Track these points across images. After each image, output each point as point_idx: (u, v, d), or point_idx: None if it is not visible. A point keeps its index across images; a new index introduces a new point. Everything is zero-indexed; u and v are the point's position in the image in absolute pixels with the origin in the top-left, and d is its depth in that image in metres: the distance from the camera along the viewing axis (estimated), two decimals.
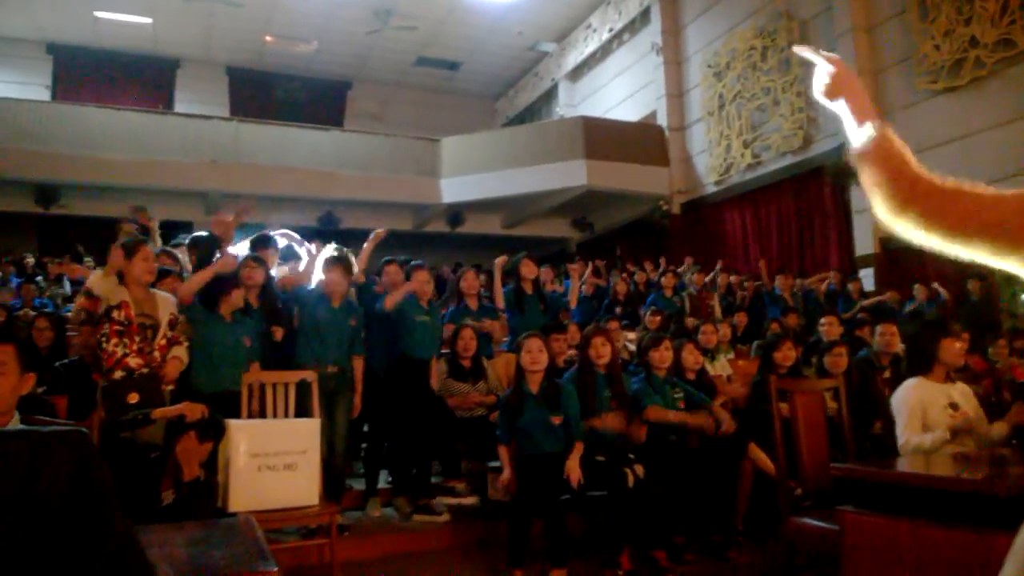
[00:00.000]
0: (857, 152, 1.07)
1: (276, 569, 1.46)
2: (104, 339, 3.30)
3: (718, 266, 9.64)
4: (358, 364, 4.30)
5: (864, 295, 8.37)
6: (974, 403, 3.22)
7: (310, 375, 3.75)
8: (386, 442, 4.50)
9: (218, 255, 4.27)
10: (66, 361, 4.29)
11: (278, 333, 4.33)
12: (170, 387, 3.46)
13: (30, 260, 9.61)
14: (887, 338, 4.76)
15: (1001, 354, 5.95)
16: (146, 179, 11.51)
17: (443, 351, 4.86)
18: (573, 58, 15.91)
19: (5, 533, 1.04)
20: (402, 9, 14.15)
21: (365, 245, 4.86)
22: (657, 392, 4.09)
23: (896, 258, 8.69)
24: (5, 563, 1.04)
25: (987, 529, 1.90)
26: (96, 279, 3.39)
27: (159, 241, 6.00)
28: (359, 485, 4.60)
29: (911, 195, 0.99)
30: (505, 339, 5.51)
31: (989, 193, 0.95)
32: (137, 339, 3.34)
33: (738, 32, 11.79)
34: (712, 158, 12.28)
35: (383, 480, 4.57)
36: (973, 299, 7.81)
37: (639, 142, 13.03)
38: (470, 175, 13.22)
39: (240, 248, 4.92)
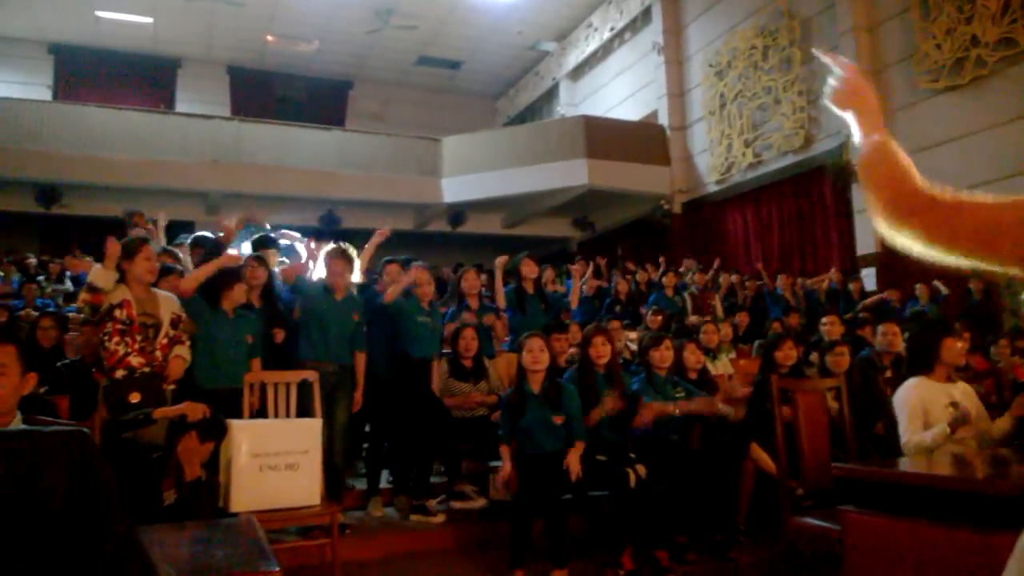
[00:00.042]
0: (860, 162, 1.08)
1: (277, 569, 1.46)
2: (106, 338, 3.30)
3: (715, 264, 9.63)
4: (360, 359, 4.29)
5: (865, 295, 8.36)
6: (976, 402, 3.22)
7: (311, 375, 3.74)
8: (387, 442, 4.50)
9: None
10: (67, 361, 4.30)
11: (279, 335, 4.32)
12: (171, 386, 3.46)
13: (32, 260, 9.62)
14: (889, 338, 4.76)
15: (1003, 354, 5.95)
16: (147, 179, 11.52)
17: (444, 351, 4.86)
18: (574, 57, 15.91)
19: (7, 533, 1.04)
20: (403, 8, 14.16)
21: (367, 245, 4.86)
22: (658, 392, 4.09)
23: (897, 258, 8.66)
24: (7, 563, 1.04)
25: (989, 529, 1.90)
26: (97, 272, 3.39)
27: (163, 239, 6.00)
28: (361, 485, 4.60)
29: (912, 207, 0.99)
30: (506, 339, 5.51)
31: (989, 202, 0.95)
32: (139, 338, 3.34)
33: (739, 31, 11.78)
34: (713, 157, 12.28)
35: (384, 480, 4.57)
36: (975, 299, 7.80)
37: (640, 141, 13.03)
38: (471, 175, 13.23)
39: (242, 248, 4.92)
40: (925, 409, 3.06)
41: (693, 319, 7.35)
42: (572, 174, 12.41)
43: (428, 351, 4.52)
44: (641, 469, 3.57)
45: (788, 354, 4.28)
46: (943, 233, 0.97)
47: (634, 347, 5.55)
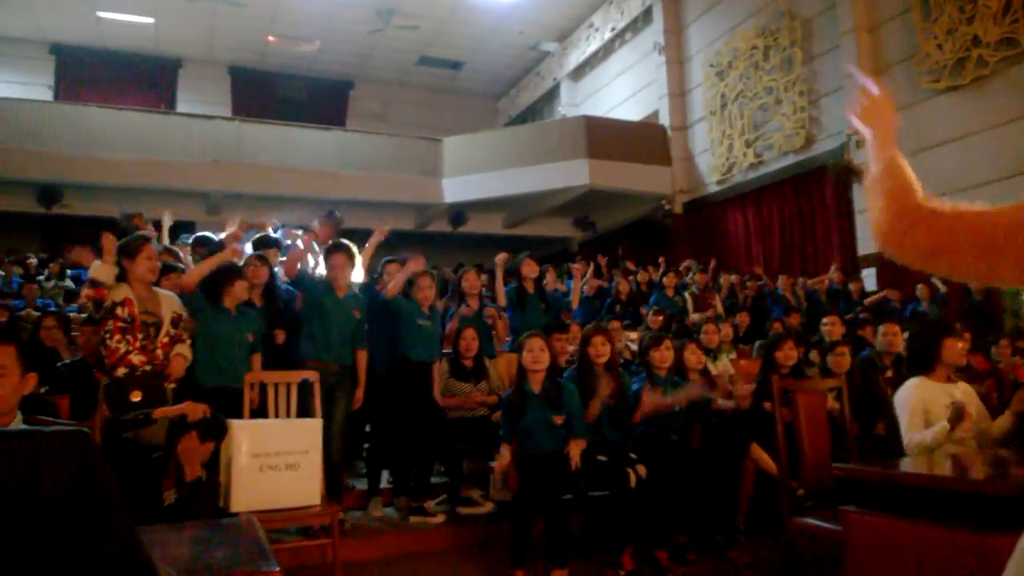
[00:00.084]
0: (872, 177, 1.10)
1: (278, 569, 1.46)
2: (107, 336, 3.31)
3: (712, 264, 9.63)
4: (361, 357, 4.29)
5: (865, 295, 8.37)
6: (977, 403, 3.21)
7: (312, 375, 3.74)
8: (386, 444, 4.49)
9: None
10: (68, 361, 4.30)
11: (280, 336, 4.32)
12: (172, 385, 3.46)
13: (33, 260, 9.63)
14: (889, 338, 4.76)
15: (1004, 354, 5.95)
16: (148, 179, 11.52)
17: (445, 351, 4.86)
18: (575, 57, 15.91)
19: (7, 533, 1.04)
20: (404, 9, 14.16)
21: (367, 244, 4.85)
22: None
23: None
24: (7, 563, 1.04)
25: (989, 530, 1.90)
26: (97, 267, 3.40)
27: (167, 239, 6.00)
28: (361, 485, 4.60)
29: (914, 220, 1.00)
30: (507, 339, 5.50)
31: (989, 209, 0.95)
32: (140, 336, 3.35)
33: (740, 31, 11.78)
34: (714, 157, 12.28)
35: (385, 480, 4.56)
36: (975, 299, 7.80)
37: (641, 141, 13.03)
38: (472, 175, 13.23)
39: (244, 248, 4.92)
40: (926, 409, 3.06)
41: (695, 317, 7.36)
42: (573, 174, 12.41)
43: (428, 355, 4.50)
44: (641, 469, 3.57)
45: (789, 354, 4.28)
46: (946, 243, 0.98)
47: (634, 347, 5.55)
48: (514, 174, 12.83)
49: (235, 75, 16.56)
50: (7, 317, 5.82)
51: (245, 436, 3.21)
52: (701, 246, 11.98)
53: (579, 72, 16.08)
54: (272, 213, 7.13)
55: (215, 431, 2.84)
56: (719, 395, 4.40)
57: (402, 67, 16.94)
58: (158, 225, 6.17)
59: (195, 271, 3.84)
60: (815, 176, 10.42)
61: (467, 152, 13.52)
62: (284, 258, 5.13)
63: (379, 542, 3.97)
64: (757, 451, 4.01)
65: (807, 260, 10.53)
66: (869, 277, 8.94)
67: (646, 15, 13.76)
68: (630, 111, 14.31)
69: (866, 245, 9.39)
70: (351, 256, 4.29)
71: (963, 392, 3.19)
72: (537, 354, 3.79)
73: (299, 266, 4.42)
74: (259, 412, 3.59)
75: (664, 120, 13.27)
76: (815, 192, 10.52)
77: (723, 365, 5.65)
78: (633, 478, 3.51)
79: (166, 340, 3.44)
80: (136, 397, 3.18)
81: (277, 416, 3.58)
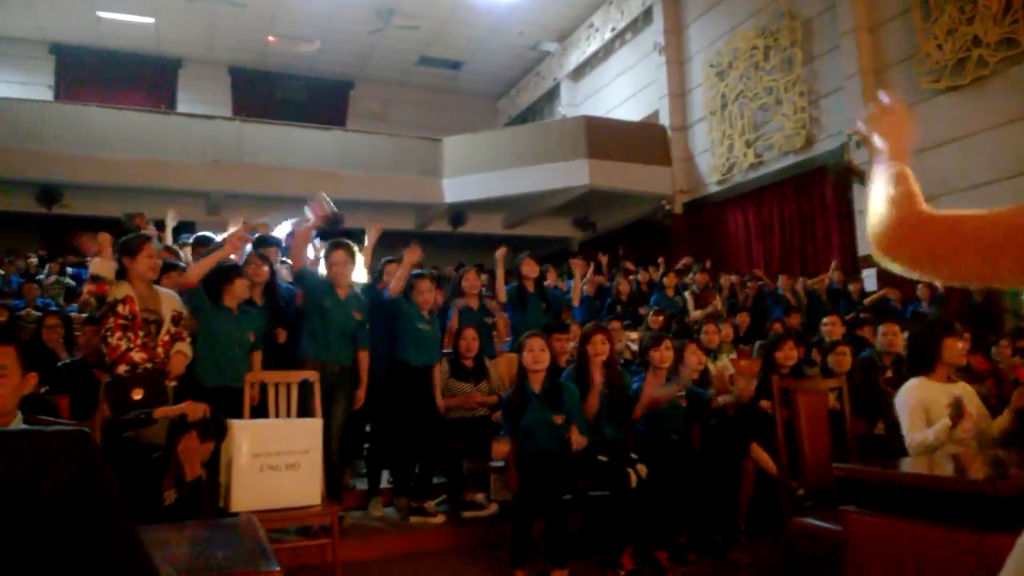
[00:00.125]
0: (876, 184, 1.10)
1: (278, 569, 1.46)
2: (108, 333, 3.32)
3: (707, 264, 9.62)
4: (363, 357, 4.28)
5: (864, 295, 8.37)
6: (977, 403, 3.21)
7: (312, 375, 3.74)
8: (386, 444, 4.49)
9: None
10: (68, 361, 4.30)
11: (282, 335, 4.32)
12: (173, 382, 3.46)
13: (33, 260, 9.63)
14: (889, 338, 4.76)
15: (1004, 354, 5.95)
16: (148, 179, 11.52)
17: (445, 351, 4.86)
18: (575, 58, 15.91)
19: (7, 533, 1.04)
20: (404, 9, 14.16)
21: (366, 243, 4.84)
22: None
23: None
24: (7, 563, 1.04)
25: (989, 530, 1.90)
26: (97, 264, 3.43)
27: (170, 238, 6.01)
28: (361, 485, 4.60)
29: (914, 224, 1.00)
30: (507, 338, 5.50)
31: (987, 212, 0.96)
32: (141, 334, 3.36)
33: (740, 31, 11.78)
34: (714, 158, 12.27)
35: (385, 480, 4.56)
36: (976, 300, 7.80)
37: (641, 142, 13.03)
38: (472, 175, 13.23)
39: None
40: (926, 409, 3.05)
41: (696, 314, 7.37)
42: (573, 174, 12.40)
43: (427, 359, 4.49)
44: (642, 469, 3.58)
45: (789, 354, 4.29)
46: (946, 247, 0.98)
47: (635, 347, 5.55)
48: (514, 174, 12.83)
49: (235, 75, 16.56)
50: (7, 317, 5.82)
51: (245, 436, 3.22)
52: (701, 246, 11.98)
53: (579, 72, 16.08)
54: (272, 213, 7.13)
55: (215, 431, 2.84)
56: (715, 386, 4.40)
57: (402, 67, 16.94)
58: (161, 224, 6.18)
59: (196, 268, 3.84)
60: (815, 176, 10.41)
61: (467, 152, 13.52)
62: (284, 260, 5.13)
63: (379, 542, 3.98)
64: (757, 451, 4.01)
65: (807, 260, 10.52)
66: (869, 277, 8.93)
67: (646, 15, 13.76)
68: (630, 111, 14.31)
69: (866, 245, 9.22)
70: (352, 253, 4.28)
71: (963, 392, 3.19)
72: (537, 354, 3.79)
73: (302, 260, 4.38)
74: (259, 412, 3.59)
75: (664, 120, 13.27)
76: (815, 192, 10.52)
77: (722, 364, 5.65)
78: (633, 478, 3.51)
79: (167, 338, 3.45)
80: (137, 395, 3.17)
81: (277, 416, 3.58)
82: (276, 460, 3.25)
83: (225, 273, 3.80)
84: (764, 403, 3.94)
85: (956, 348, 3.21)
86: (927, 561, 2.09)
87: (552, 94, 17.06)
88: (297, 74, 16.86)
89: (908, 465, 2.76)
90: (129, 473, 2.65)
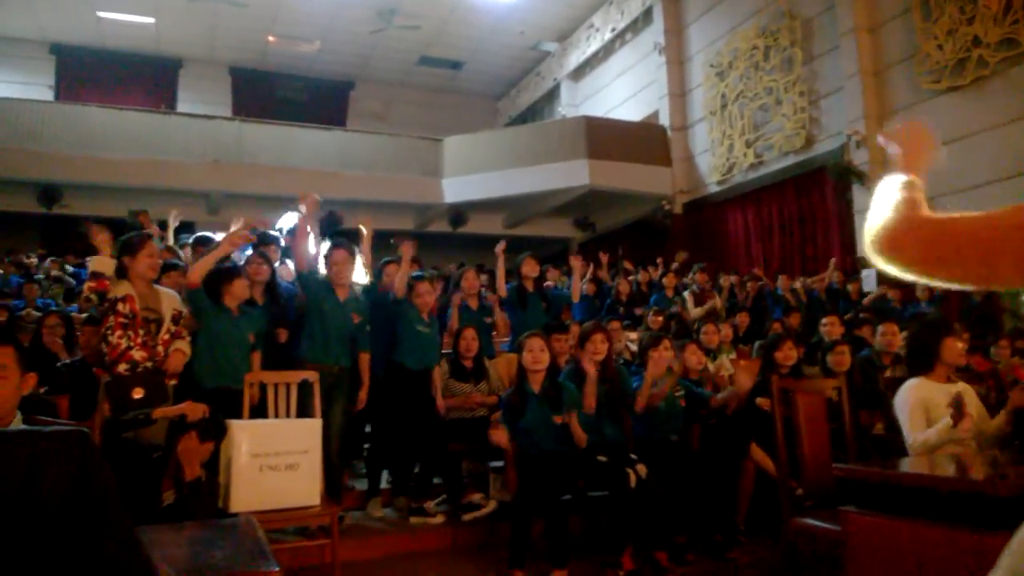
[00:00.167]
0: (885, 188, 1.12)
1: (277, 569, 1.46)
2: (108, 332, 3.32)
3: (686, 258, 9.62)
4: (364, 359, 4.28)
5: (863, 295, 8.37)
6: (976, 403, 3.21)
7: (312, 375, 3.74)
8: (385, 445, 4.49)
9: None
10: (67, 361, 4.30)
11: (283, 335, 4.32)
12: (173, 382, 3.47)
13: (33, 260, 9.63)
14: (888, 337, 4.77)
15: (1003, 354, 5.95)
16: (148, 179, 11.52)
17: (445, 351, 4.85)
18: (575, 58, 15.91)
19: (7, 533, 1.04)
20: (405, 9, 14.16)
21: (362, 243, 4.82)
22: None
23: None
24: (6, 563, 1.04)
25: (989, 530, 1.90)
26: (96, 261, 3.44)
27: (172, 238, 6.00)
28: (361, 485, 4.60)
29: (912, 226, 1.00)
30: (507, 338, 5.50)
31: (985, 213, 0.96)
32: (141, 332, 3.36)
33: (740, 31, 11.78)
34: (714, 158, 12.28)
35: (384, 480, 4.56)
36: (975, 300, 7.80)
37: (641, 142, 13.04)
38: (472, 175, 13.23)
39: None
40: (926, 409, 3.05)
41: (696, 311, 7.38)
42: (573, 174, 12.41)
43: (426, 362, 4.48)
44: (641, 469, 3.57)
45: (788, 354, 4.28)
46: (943, 249, 0.98)
47: (634, 347, 5.55)
48: (514, 174, 12.83)
49: (236, 75, 16.56)
50: (7, 317, 5.83)
51: (245, 436, 3.21)
52: (701, 246, 11.98)
53: (579, 72, 16.08)
54: (272, 213, 7.12)
55: (214, 431, 2.84)
56: (710, 380, 4.41)
57: (402, 67, 16.94)
58: (164, 225, 6.18)
59: (198, 266, 3.82)
60: (815, 177, 10.42)
61: (467, 152, 13.52)
62: (285, 261, 5.12)
63: (379, 542, 3.97)
64: (756, 451, 4.01)
65: (807, 261, 10.52)
66: (869, 278, 8.93)
67: (646, 15, 13.76)
68: (630, 111, 14.31)
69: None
70: (352, 253, 4.28)
71: (962, 392, 3.19)
72: (537, 354, 3.79)
73: (306, 258, 4.36)
74: (259, 412, 3.59)
75: (664, 120, 13.27)
76: (815, 193, 10.52)
77: (720, 363, 5.65)
78: (633, 478, 3.51)
79: (167, 337, 3.46)
80: (138, 394, 3.17)
81: (277, 416, 3.58)
82: (275, 460, 3.24)
83: (224, 274, 3.80)
84: (761, 400, 3.94)
85: (955, 348, 3.21)
86: (927, 561, 2.09)
87: (552, 94, 17.06)
88: (297, 74, 16.86)
89: (907, 465, 2.76)
90: (128, 473, 2.65)
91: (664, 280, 8.26)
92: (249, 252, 4.52)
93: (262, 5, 13.93)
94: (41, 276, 8.44)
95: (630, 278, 8.77)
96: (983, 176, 7.89)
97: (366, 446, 4.82)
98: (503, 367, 5.02)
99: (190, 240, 5.82)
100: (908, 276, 1.02)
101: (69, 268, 8.61)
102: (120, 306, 3.34)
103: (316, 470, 3.36)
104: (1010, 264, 0.92)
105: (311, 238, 4.39)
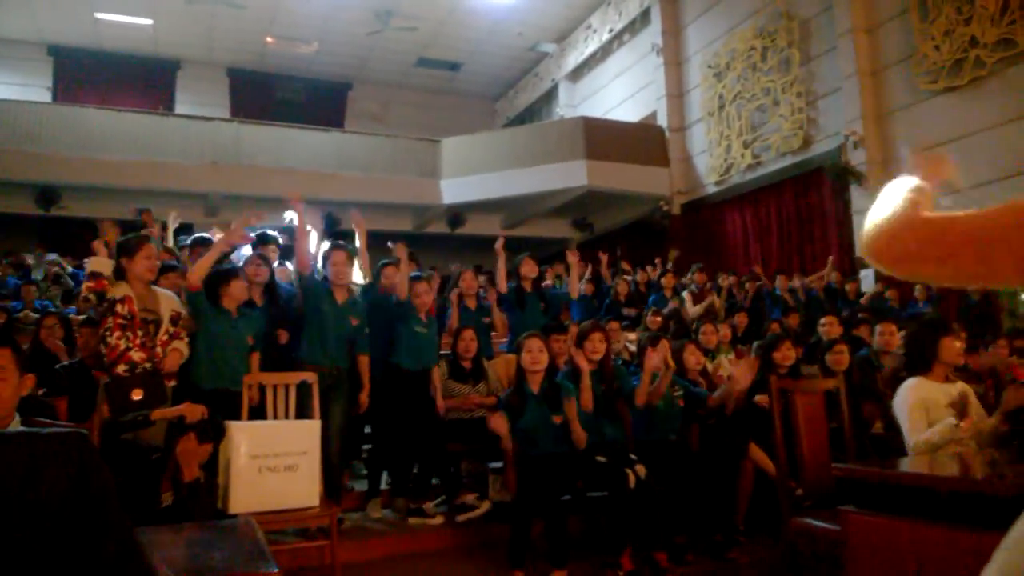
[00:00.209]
0: (896, 189, 1.14)
1: (277, 570, 1.46)
2: (107, 333, 3.32)
3: (694, 266, 9.62)
4: (363, 361, 4.27)
5: (860, 295, 8.38)
6: (975, 403, 3.21)
7: (311, 376, 3.74)
8: (384, 446, 4.48)
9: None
10: (66, 363, 4.29)
11: (283, 336, 4.32)
12: (172, 383, 3.46)
13: (31, 261, 9.61)
14: (886, 337, 4.77)
15: (1001, 354, 5.94)
16: (146, 180, 11.51)
17: (443, 352, 4.85)
18: (573, 59, 15.92)
19: (7, 534, 1.04)
20: (403, 10, 14.16)
21: (358, 243, 4.81)
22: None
23: None
24: (6, 564, 1.04)
25: (989, 530, 1.90)
26: (94, 261, 3.44)
27: (171, 239, 6.01)
28: (360, 486, 4.59)
29: (909, 225, 1.00)
30: (505, 339, 5.50)
31: (982, 212, 0.96)
32: (140, 333, 3.36)
33: (738, 32, 11.79)
34: (712, 158, 12.29)
35: (384, 481, 4.56)
36: (973, 299, 7.81)
37: (639, 142, 13.04)
38: (470, 176, 13.23)
39: (242, 250, 4.91)
40: (926, 408, 3.05)
41: (696, 309, 7.37)
42: (571, 175, 12.41)
43: (423, 363, 4.47)
44: (641, 469, 3.57)
45: (787, 355, 4.29)
46: (941, 248, 0.98)
47: (633, 348, 5.55)
48: (512, 175, 12.83)
49: (234, 76, 16.55)
50: (5, 319, 5.82)
51: (244, 437, 3.21)
52: (699, 247, 11.99)
53: (577, 73, 16.09)
54: (271, 214, 7.13)
55: (213, 432, 2.84)
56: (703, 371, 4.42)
57: (400, 68, 16.94)
58: (164, 226, 6.20)
59: (197, 267, 3.81)
60: (813, 177, 10.43)
61: (465, 153, 13.52)
62: (284, 262, 5.12)
63: (378, 543, 3.97)
64: (756, 451, 4.01)
65: (805, 261, 10.54)
66: (867, 278, 8.95)
67: (644, 16, 13.77)
68: (628, 112, 14.32)
69: None
70: (351, 255, 4.29)
71: (961, 392, 3.19)
72: (536, 355, 3.79)
73: (307, 259, 4.35)
74: (258, 413, 3.59)
75: (662, 121, 13.28)
76: (813, 193, 10.54)
77: (719, 363, 5.65)
78: (632, 479, 3.51)
79: (165, 338, 3.46)
80: (137, 395, 3.17)
81: (276, 417, 3.58)
82: (274, 462, 3.24)
83: (222, 275, 3.80)
84: (760, 398, 3.94)
85: (954, 347, 3.21)
86: (926, 561, 2.09)
87: (550, 95, 17.07)
88: (296, 75, 16.85)
89: (907, 465, 2.76)
90: (127, 475, 2.65)
91: (663, 280, 8.27)
92: (248, 251, 4.52)
93: (260, 6, 13.92)
94: (39, 277, 8.42)
95: (628, 278, 8.78)
96: (981, 176, 7.89)
97: (365, 447, 4.82)
98: (502, 368, 5.01)
99: (187, 241, 5.82)
100: (906, 277, 1.02)
101: (68, 268, 8.59)
102: (119, 307, 3.34)
103: (315, 471, 3.36)
104: (1008, 263, 0.92)
105: (311, 238, 4.40)
